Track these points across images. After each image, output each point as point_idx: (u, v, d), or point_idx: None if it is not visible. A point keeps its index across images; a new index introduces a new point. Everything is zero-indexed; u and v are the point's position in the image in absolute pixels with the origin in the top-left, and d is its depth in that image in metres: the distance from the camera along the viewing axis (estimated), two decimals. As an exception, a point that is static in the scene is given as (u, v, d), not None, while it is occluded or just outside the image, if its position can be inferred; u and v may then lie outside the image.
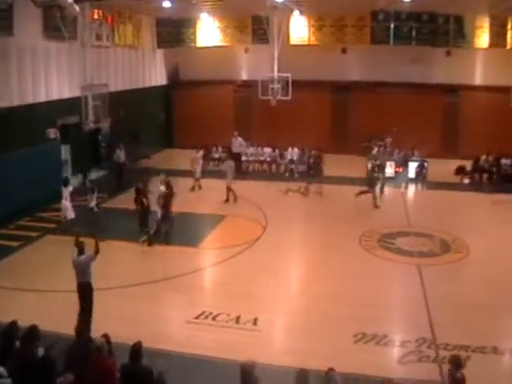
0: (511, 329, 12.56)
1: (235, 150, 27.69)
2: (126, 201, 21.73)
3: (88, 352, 7.97)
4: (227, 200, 21.75)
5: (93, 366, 7.74)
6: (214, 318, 12.24)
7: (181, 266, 15.30)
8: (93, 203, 19.07)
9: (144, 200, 17.74)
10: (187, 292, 13.82)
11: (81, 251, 11.55)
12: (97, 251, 11.50)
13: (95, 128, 22.62)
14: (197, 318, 12.30)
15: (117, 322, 11.56)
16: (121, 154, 24.54)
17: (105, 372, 7.69)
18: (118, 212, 19.41)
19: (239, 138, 28.00)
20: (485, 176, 25.56)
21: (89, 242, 14.43)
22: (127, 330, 10.76)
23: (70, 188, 18.31)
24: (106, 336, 8.44)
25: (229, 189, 21.75)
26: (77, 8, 17.05)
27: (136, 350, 8.11)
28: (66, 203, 17.90)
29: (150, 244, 17.14)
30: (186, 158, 24.96)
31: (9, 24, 19.01)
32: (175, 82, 33.98)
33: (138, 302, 12.98)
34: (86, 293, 11.49)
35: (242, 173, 25.65)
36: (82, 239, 11.91)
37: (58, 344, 8.64)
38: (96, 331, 8.67)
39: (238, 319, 12.12)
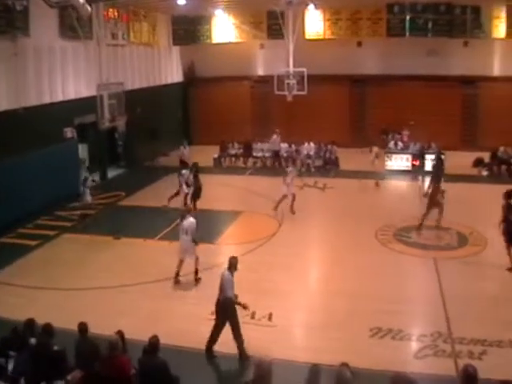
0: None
1: (276, 147, 27.80)
2: (143, 198, 21.98)
3: (96, 349, 8.06)
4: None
5: (106, 363, 7.79)
6: (229, 314, 12.28)
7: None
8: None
9: None
10: (204, 288, 13.79)
11: (230, 267, 10.84)
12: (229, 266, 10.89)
13: (112, 127, 22.79)
14: (213, 314, 12.32)
15: (133, 319, 11.69)
16: (185, 152, 24.34)
17: (119, 369, 7.74)
18: (135, 209, 19.56)
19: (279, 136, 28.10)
20: (503, 167, 25.31)
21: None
22: (144, 326, 10.83)
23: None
24: (120, 333, 8.50)
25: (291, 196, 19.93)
26: (89, 8, 17.16)
27: (152, 344, 8.21)
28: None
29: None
30: (203, 155, 25.04)
31: (25, 25, 19.22)
32: (191, 79, 34.07)
33: (154, 299, 13.07)
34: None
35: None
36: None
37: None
38: (112, 328, 8.73)
39: (253, 315, 12.08)
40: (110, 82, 22.35)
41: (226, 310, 10.57)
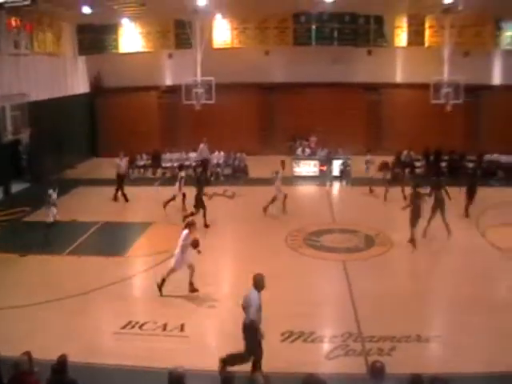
0: (432, 316, 13.04)
1: (204, 156, 27.57)
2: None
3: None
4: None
5: (13, 384, 7.51)
6: (140, 327, 12.03)
7: (107, 275, 14.95)
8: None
9: None
10: (114, 302, 13.53)
11: (256, 285, 9.81)
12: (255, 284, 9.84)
13: (15, 139, 21.99)
14: (123, 328, 12.05)
15: (44, 338, 11.29)
16: (121, 164, 23.57)
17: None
18: (41, 225, 18.84)
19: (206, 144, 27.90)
20: (407, 171, 26.27)
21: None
22: (53, 344, 10.48)
23: None
24: (27, 353, 8.20)
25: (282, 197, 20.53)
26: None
27: (60, 363, 7.93)
28: None
29: None
30: (111, 167, 24.51)
31: None
32: (98, 90, 33.28)
33: (64, 316, 12.62)
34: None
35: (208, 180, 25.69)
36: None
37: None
38: (22, 349, 8.38)
39: (165, 326, 11.98)
40: (12, 92, 21.57)
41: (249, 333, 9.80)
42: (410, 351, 10.83)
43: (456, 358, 10.46)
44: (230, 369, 9.56)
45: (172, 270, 13.70)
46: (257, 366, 9.84)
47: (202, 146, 27.64)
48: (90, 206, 22.42)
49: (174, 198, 20.77)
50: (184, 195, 20.71)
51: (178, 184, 20.80)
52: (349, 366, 10.40)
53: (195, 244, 13.64)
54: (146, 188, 23.28)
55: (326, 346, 11.23)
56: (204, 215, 19.08)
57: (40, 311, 12.84)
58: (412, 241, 16.75)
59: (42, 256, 16.65)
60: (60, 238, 17.99)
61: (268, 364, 9.68)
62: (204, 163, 27.13)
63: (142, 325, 12.10)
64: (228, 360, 9.98)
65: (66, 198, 23.65)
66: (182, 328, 11.91)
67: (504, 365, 10.14)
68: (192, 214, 18.86)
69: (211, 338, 12.16)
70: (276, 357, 10.47)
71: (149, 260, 16.27)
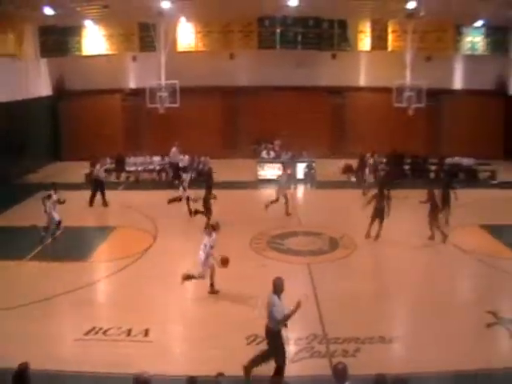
0: (396, 318, 13.23)
1: (176, 160, 27.43)
2: (10, 218, 20.86)
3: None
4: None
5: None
6: (104, 333, 11.90)
7: (70, 281, 14.70)
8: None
9: None
10: (77, 308, 13.34)
11: (275, 290, 9.74)
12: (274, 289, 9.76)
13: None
14: (87, 334, 11.89)
15: (4, 345, 11.09)
16: (101, 170, 23.23)
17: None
18: (2, 230, 18.52)
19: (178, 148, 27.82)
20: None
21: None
22: (14, 353, 10.19)
23: None
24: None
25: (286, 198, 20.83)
26: None
27: (21, 371, 7.80)
28: None
29: None
30: (74, 171, 24.21)
31: None
32: (61, 93, 32.84)
33: (26, 323, 12.37)
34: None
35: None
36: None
37: None
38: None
39: (129, 332, 11.87)
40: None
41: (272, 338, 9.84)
42: (374, 352, 10.97)
43: (419, 358, 10.62)
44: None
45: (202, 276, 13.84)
46: (281, 372, 9.81)
47: (173, 149, 27.51)
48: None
49: (190, 199, 20.88)
50: (188, 198, 20.76)
51: (181, 187, 21.01)
52: (313, 368, 10.46)
53: (225, 262, 13.85)
54: (109, 192, 22.96)
55: (291, 349, 11.19)
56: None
57: (0, 318, 12.60)
58: (377, 237, 17.41)
59: (3, 262, 16.32)
60: (22, 244, 17.72)
61: (233, 367, 9.66)
62: (175, 167, 27.02)
63: (106, 330, 11.97)
64: (250, 365, 10.01)
65: (26, 202, 23.35)
66: (146, 333, 11.82)
67: (465, 364, 10.35)
68: (196, 213, 19.48)
69: (175, 342, 12.10)
70: (241, 360, 10.41)
71: (113, 265, 16.12)
